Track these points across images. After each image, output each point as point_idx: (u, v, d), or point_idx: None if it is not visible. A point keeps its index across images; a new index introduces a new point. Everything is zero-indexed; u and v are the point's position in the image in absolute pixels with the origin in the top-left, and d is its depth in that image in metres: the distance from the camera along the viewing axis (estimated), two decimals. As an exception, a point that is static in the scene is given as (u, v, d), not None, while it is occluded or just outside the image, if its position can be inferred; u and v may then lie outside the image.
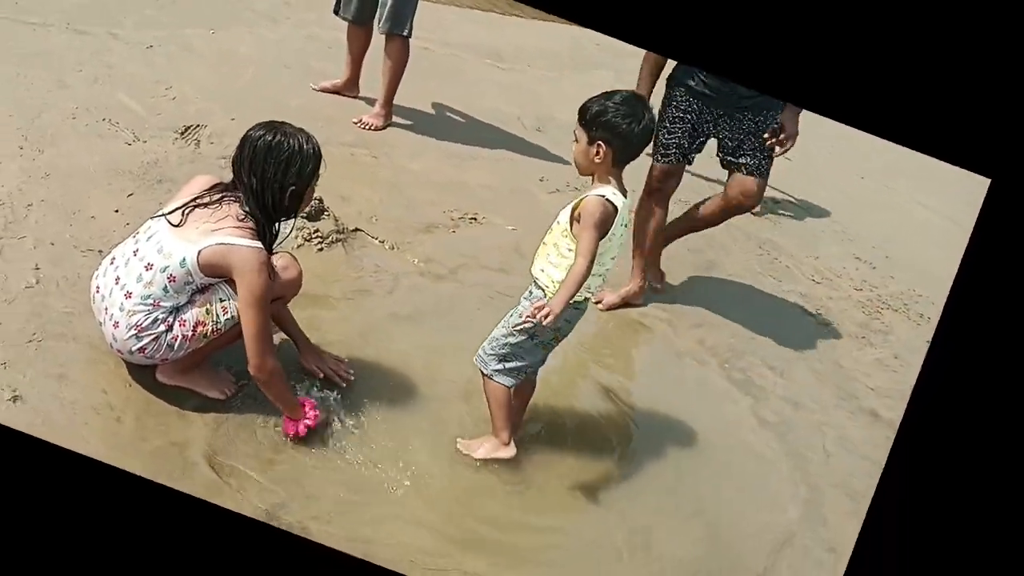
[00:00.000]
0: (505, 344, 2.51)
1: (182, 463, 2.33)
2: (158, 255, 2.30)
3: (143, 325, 2.30)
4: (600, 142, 2.28)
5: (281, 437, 2.49)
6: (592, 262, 2.31)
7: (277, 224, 2.41)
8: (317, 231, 3.48)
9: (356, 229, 3.58)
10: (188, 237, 2.31)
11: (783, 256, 4.77)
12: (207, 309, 2.35)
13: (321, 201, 3.56)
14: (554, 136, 5.38)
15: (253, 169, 2.31)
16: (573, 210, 2.38)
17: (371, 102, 4.79)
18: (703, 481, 2.94)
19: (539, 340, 2.52)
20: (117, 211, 3.18)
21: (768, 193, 4.15)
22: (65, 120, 3.61)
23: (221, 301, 2.37)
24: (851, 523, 2.85)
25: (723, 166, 3.57)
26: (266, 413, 2.53)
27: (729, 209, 3.60)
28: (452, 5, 7.34)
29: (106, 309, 2.36)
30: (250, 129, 2.37)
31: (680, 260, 4.01)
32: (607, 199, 2.32)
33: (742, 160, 3.43)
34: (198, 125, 3.98)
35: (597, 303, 3.59)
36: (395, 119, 4.70)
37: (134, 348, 2.34)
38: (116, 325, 2.33)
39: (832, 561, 2.75)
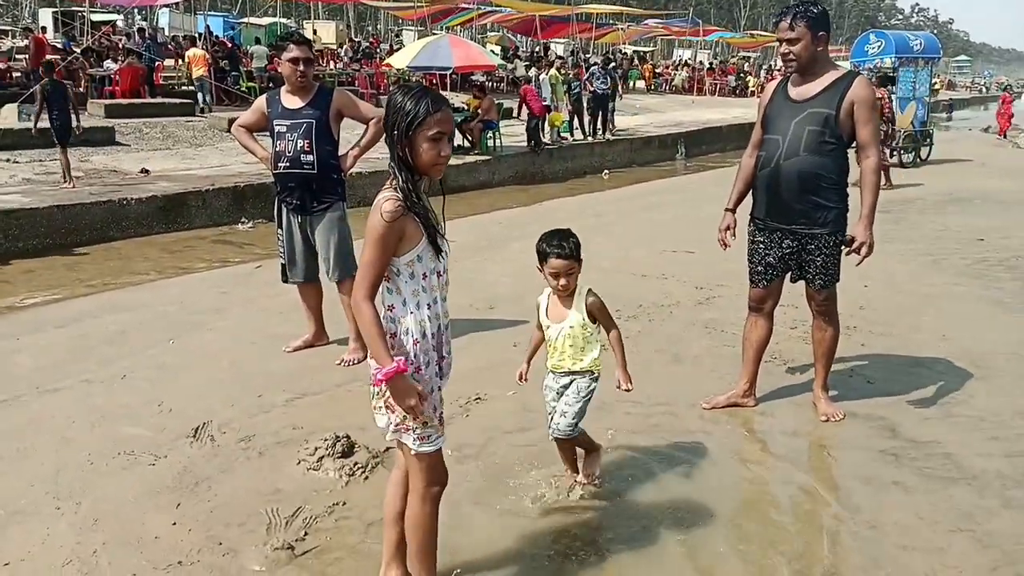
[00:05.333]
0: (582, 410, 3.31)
1: None
2: None
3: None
4: None
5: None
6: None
7: (413, 175, 2.46)
8: (356, 464, 3.64)
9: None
10: None
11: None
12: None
13: (348, 437, 3.74)
14: (506, 309, 5.79)
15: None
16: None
17: (344, 342, 5.06)
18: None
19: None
20: (175, 523, 3.25)
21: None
22: (85, 469, 3.70)
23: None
24: None
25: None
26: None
27: (819, 319, 4.20)
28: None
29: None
30: None
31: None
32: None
33: (807, 278, 4.09)
34: (204, 423, 4.14)
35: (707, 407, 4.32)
36: (369, 347, 4.97)
37: None
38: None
39: None
